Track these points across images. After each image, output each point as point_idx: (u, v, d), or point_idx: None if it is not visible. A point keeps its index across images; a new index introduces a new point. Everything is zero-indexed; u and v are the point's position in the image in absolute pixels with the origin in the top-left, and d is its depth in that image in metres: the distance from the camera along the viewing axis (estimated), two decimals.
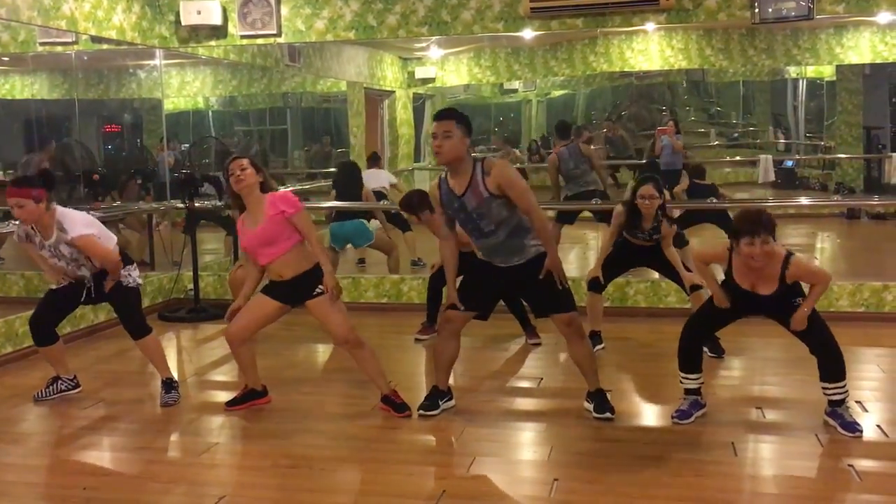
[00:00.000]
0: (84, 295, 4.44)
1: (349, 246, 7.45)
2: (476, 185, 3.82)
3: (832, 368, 3.83)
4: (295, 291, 4.11)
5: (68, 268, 4.34)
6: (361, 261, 8.06)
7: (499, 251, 3.95)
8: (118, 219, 7.43)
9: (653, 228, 5.00)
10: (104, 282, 4.39)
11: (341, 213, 7.17)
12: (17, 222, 4.34)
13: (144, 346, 4.52)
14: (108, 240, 4.35)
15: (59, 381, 4.58)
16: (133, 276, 4.47)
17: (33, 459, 3.90)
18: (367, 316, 6.32)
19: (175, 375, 4.61)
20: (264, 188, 4.12)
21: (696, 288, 5.03)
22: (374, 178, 8.34)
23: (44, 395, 4.54)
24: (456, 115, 3.87)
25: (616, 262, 5.22)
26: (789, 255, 3.73)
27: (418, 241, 8.01)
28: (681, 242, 6.43)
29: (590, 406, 4.11)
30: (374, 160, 9.16)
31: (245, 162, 4.09)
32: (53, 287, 4.46)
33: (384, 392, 4.22)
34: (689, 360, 4.02)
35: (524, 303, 5.27)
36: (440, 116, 3.89)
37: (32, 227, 4.27)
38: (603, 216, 7.59)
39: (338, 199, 7.26)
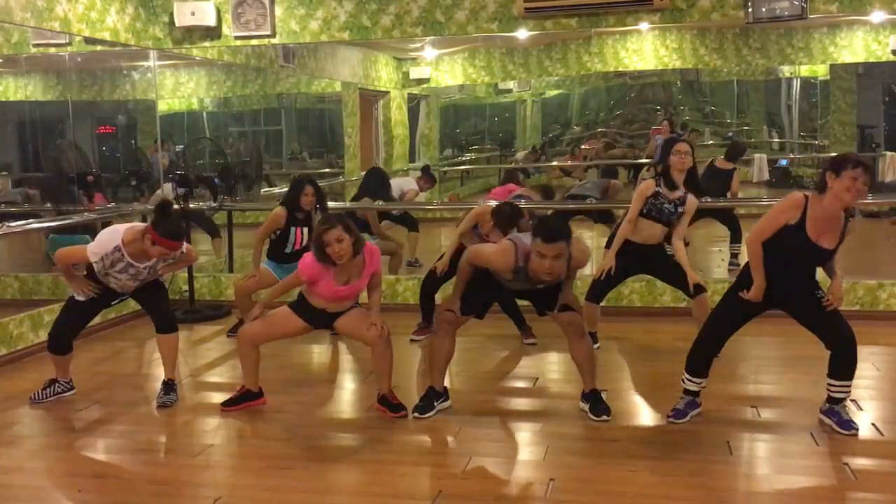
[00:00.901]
0: (116, 299, 4.48)
1: None
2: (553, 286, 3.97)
3: (847, 366, 3.80)
4: (330, 319, 4.21)
5: (133, 283, 4.34)
6: None
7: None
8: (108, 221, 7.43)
9: (679, 200, 4.89)
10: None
11: None
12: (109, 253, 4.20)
13: (165, 342, 4.50)
14: None
15: (57, 384, 4.58)
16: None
17: (28, 462, 3.88)
18: None
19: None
20: (357, 248, 3.99)
21: (699, 290, 4.98)
22: (396, 186, 8.09)
23: (41, 396, 4.53)
24: (567, 236, 3.75)
25: (618, 271, 5.08)
26: (852, 214, 3.69)
27: (419, 243, 8.02)
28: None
29: (585, 407, 4.12)
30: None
31: (340, 231, 3.87)
32: (80, 298, 4.38)
33: (383, 392, 4.22)
34: (700, 364, 3.99)
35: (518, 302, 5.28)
36: (552, 238, 3.69)
37: (121, 252, 4.20)
38: (599, 216, 7.62)
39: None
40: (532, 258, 3.77)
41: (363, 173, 9.46)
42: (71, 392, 4.63)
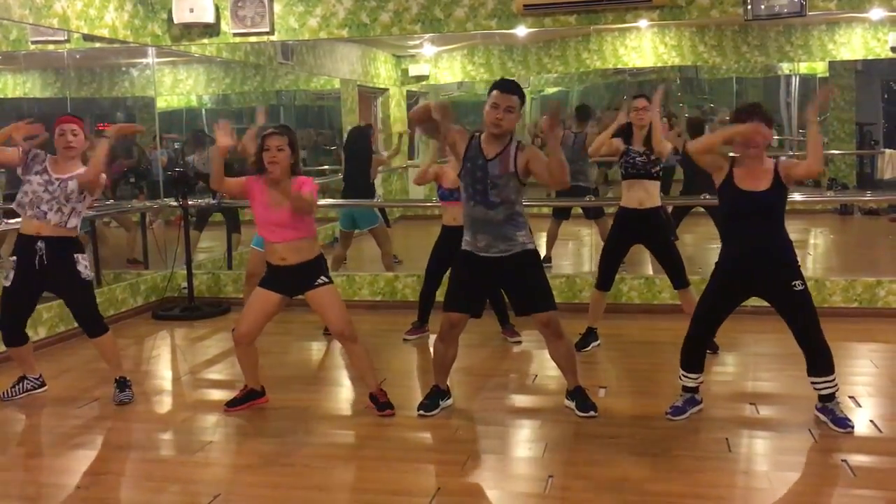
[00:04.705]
0: (40, 276, 4.28)
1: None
2: (507, 156, 3.86)
3: (820, 364, 3.83)
4: (295, 280, 4.11)
5: (48, 202, 4.22)
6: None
7: (488, 230, 3.91)
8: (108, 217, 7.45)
9: (648, 149, 4.90)
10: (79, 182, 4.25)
11: (346, 193, 7.26)
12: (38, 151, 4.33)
13: (100, 345, 4.46)
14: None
15: (25, 381, 4.57)
16: (89, 266, 4.39)
17: (27, 459, 3.89)
18: (361, 314, 6.31)
19: (171, 374, 4.59)
20: (295, 170, 4.08)
21: (683, 286, 5.04)
22: None
23: (10, 394, 4.53)
24: (520, 91, 3.86)
25: (614, 248, 5.12)
26: (777, 158, 3.87)
27: (395, 238, 7.99)
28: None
29: (571, 404, 4.12)
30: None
31: (283, 141, 4.00)
32: (6, 285, 4.37)
33: (371, 390, 4.23)
34: (692, 359, 4.00)
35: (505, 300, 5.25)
36: (506, 89, 3.81)
37: (45, 156, 4.29)
38: (594, 213, 7.61)
39: (346, 164, 7.37)
40: (486, 111, 3.86)
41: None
42: (42, 389, 4.62)
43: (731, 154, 3.93)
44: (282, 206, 4.01)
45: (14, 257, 4.34)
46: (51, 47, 6.51)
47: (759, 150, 3.77)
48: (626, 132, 5.05)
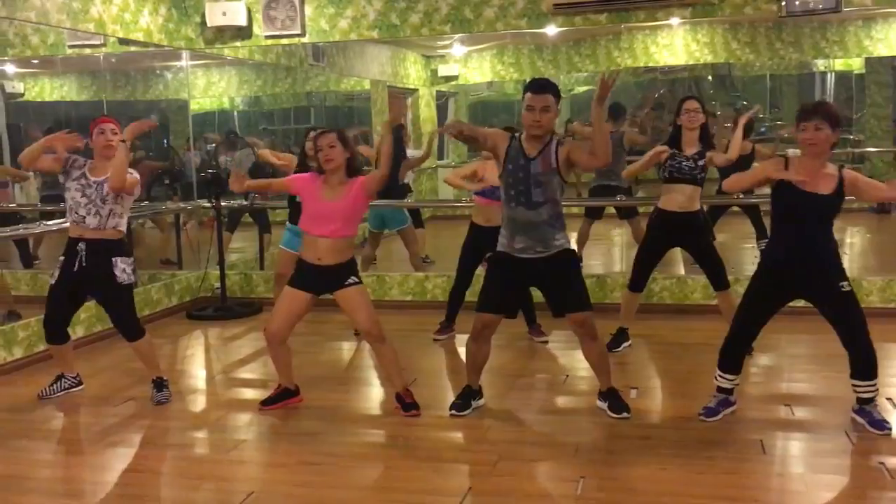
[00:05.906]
0: (80, 278, 4.33)
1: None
2: (549, 153, 3.87)
3: (864, 368, 3.77)
4: (326, 279, 4.13)
5: (85, 206, 4.29)
6: None
7: (528, 231, 3.90)
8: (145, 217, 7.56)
9: (697, 155, 4.85)
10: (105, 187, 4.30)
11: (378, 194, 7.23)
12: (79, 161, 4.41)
13: (138, 349, 4.51)
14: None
15: (63, 379, 4.65)
16: (128, 270, 4.42)
17: (64, 456, 3.97)
18: (390, 314, 6.33)
19: (205, 373, 4.64)
20: (351, 169, 4.13)
21: (723, 287, 4.97)
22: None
23: (48, 392, 4.60)
24: (553, 89, 3.85)
25: (652, 251, 5.07)
26: (842, 166, 3.77)
27: (426, 239, 8.01)
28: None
29: (604, 405, 4.11)
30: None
31: (333, 138, 4.06)
32: (52, 283, 4.44)
33: (398, 390, 4.24)
34: (731, 359, 3.96)
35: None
36: (539, 89, 3.81)
37: (84, 161, 4.37)
38: (626, 213, 7.55)
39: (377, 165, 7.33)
40: (523, 115, 3.87)
41: None
42: (79, 388, 4.69)
43: (782, 154, 3.89)
44: (334, 200, 4.08)
45: (62, 257, 4.43)
46: (87, 51, 6.63)
47: (820, 150, 3.65)
48: (674, 135, 4.94)
